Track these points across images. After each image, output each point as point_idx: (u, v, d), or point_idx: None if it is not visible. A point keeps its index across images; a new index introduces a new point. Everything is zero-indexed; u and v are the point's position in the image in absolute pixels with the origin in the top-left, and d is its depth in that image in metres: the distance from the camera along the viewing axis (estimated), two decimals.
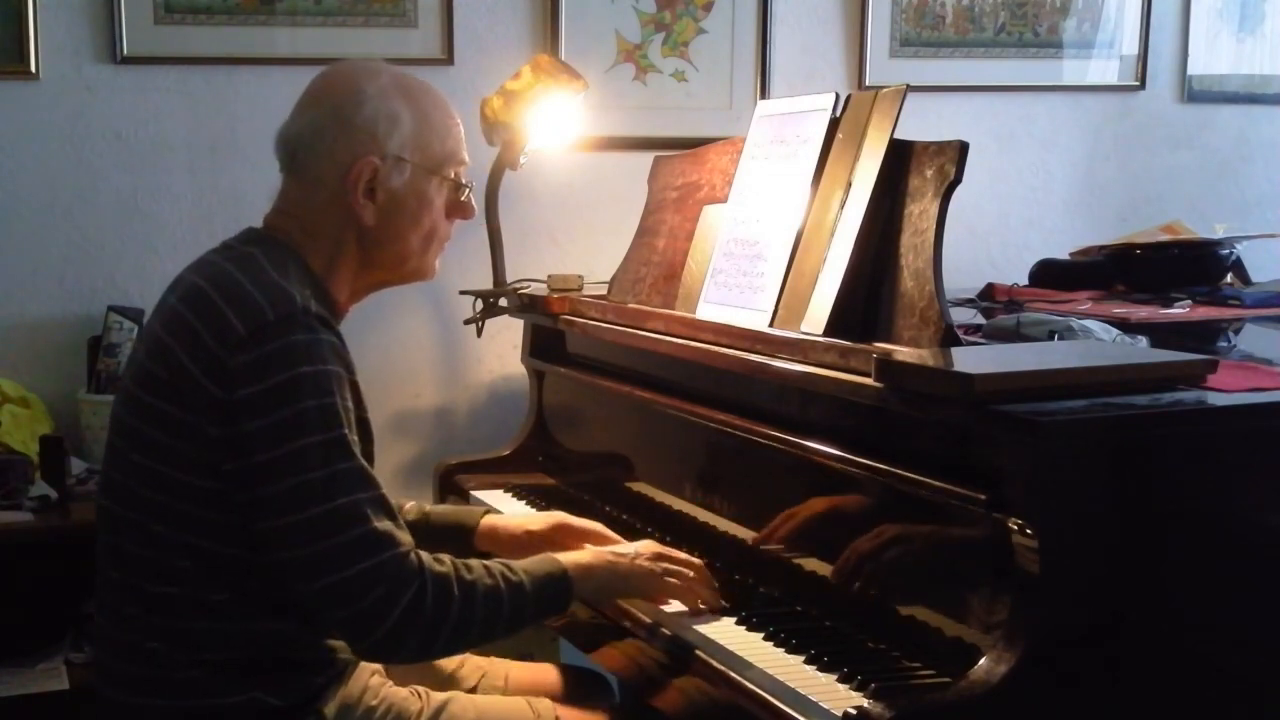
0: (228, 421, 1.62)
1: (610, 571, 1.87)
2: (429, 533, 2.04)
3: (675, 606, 1.90)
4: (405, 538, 1.66)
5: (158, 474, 1.67)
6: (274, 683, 1.72)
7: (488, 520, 2.12)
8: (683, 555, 1.94)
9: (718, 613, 1.88)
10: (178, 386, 1.65)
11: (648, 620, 1.90)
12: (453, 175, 1.85)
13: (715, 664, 1.73)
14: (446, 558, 1.71)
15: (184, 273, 1.80)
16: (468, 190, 1.89)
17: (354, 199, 1.77)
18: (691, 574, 1.90)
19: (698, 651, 1.77)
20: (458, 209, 1.88)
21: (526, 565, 1.78)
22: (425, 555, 1.67)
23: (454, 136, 1.86)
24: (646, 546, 1.93)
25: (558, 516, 2.11)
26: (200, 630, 1.69)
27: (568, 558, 1.85)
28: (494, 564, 1.75)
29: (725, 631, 1.82)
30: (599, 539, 2.05)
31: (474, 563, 1.73)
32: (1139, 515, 1.55)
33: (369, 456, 1.74)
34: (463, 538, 2.10)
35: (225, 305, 1.65)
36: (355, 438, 1.67)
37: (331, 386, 1.64)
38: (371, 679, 1.86)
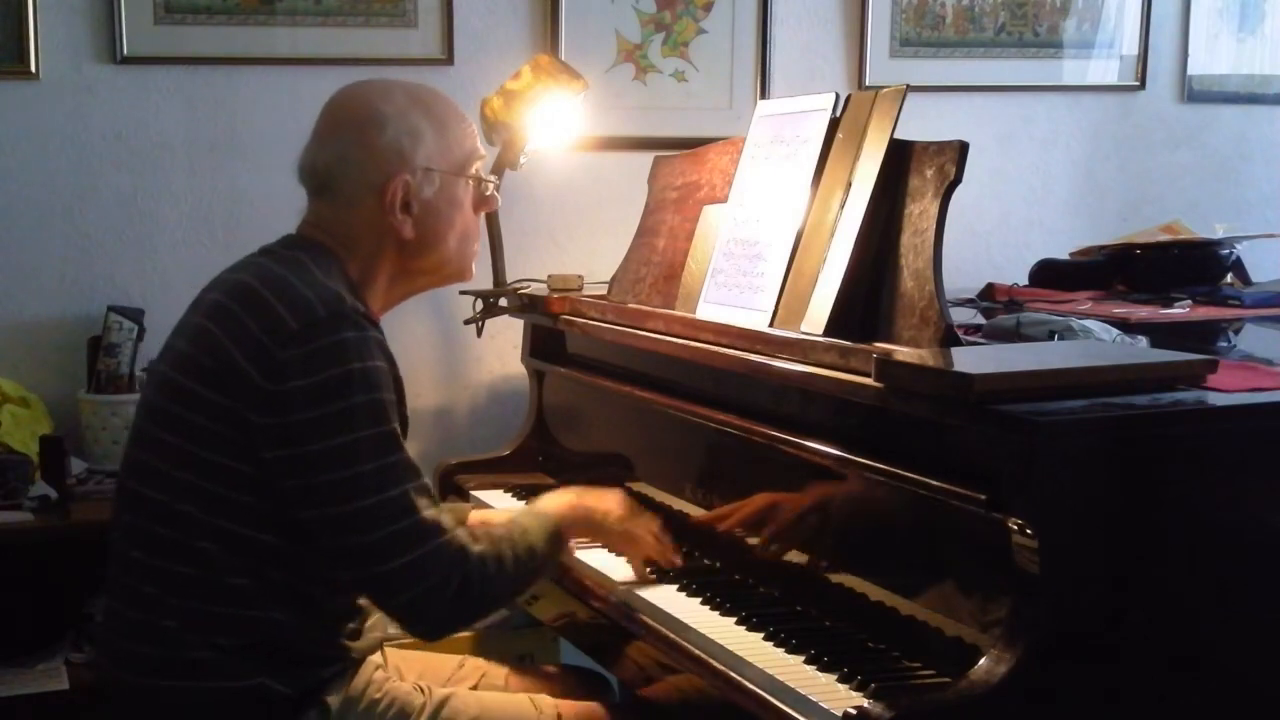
0: (274, 412, 1.66)
1: (588, 521, 2.02)
2: None
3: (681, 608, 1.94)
4: (448, 521, 1.74)
5: (190, 455, 1.71)
6: (283, 671, 1.75)
7: (475, 516, 2.19)
8: (646, 515, 2.07)
9: (670, 571, 2.03)
10: (221, 373, 1.70)
11: (648, 620, 1.90)
12: (475, 171, 1.92)
13: (715, 664, 1.74)
14: (479, 532, 1.80)
15: (224, 274, 1.84)
16: (492, 185, 1.96)
17: (392, 217, 1.83)
18: (656, 530, 2.04)
19: (698, 651, 1.78)
20: (483, 203, 1.96)
21: (529, 524, 1.89)
22: (464, 534, 1.76)
23: (470, 135, 1.93)
24: (619, 504, 2.05)
25: None
26: (216, 613, 1.72)
27: (555, 512, 1.96)
28: (512, 530, 1.85)
29: (725, 631, 1.82)
30: None
31: (498, 534, 1.83)
32: (1139, 515, 1.55)
33: None
34: None
35: (276, 301, 1.70)
36: (399, 430, 1.74)
37: (379, 382, 1.71)
38: (375, 673, 1.88)
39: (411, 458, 1.74)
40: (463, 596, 1.72)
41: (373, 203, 1.83)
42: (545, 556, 1.88)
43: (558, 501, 2.02)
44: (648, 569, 2.04)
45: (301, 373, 1.66)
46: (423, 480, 1.74)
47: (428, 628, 1.76)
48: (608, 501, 2.05)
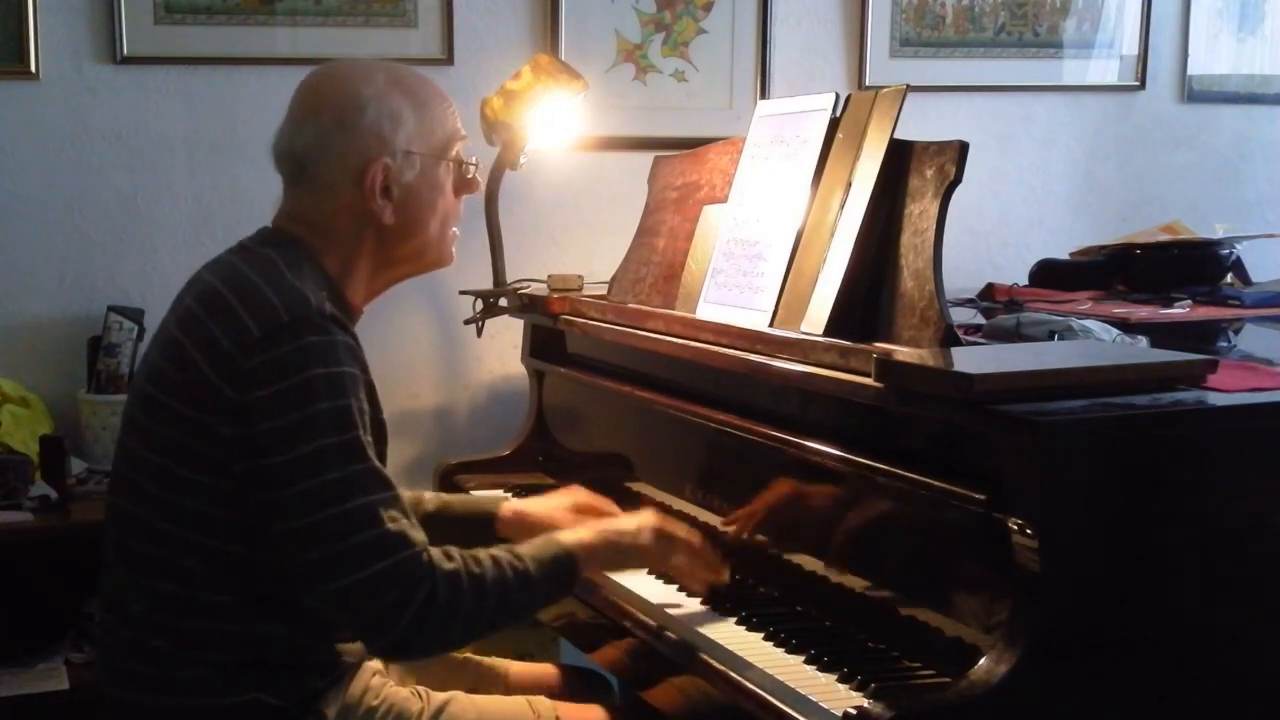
0: (241, 422, 1.63)
1: (613, 549, 1.88)
2: (451, 522, 2.07)
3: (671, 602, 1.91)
4: (418, 537, 1.66)
5: (168, 471, 1.68)
6: (276, 684, 1.73)
7: (508, 506, 2.14)
8: (684, 530, 1.95)
9: (716, 605, 1.90)
10: (191, 386, 1.66)
11: (648, 620, 1.90)
12: (456, 154, 1.87)
13: (715, 664, 1.74)
14: (455, 552, 1.71)
15: (200, 272, 1.80)
16: (473, 167, 1.91)
17: (372, 202, 1.78)
18: (691, 551, 1.92)
19: (698, 651, 1.78)
20: (465, 185, 1.90)
21: (531, 551, 1.78)
22: (435, 552, 1.68)
23: (451, 117, 1.87)
24: (648, 520, 1.93)
25: (576, 495, 2.14)
26: (204, 630, 1.70)
27: (570, 538, 1.85)
28: (500, 553, 1.75)
29: (725, 631, 1.82)
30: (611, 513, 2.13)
31: (481, 554, 1.73)
32: (1139, 515, 1.55)
33: (383, 457, 1.74)
34: (485, 526, 2.13)
35: (240, 306, 1.66)
36: (369, 439, 1.67)
37: (345, 388, 1.65)
38: (373, 679, 1.86)
39: (381, 468, 1.67)
40: (426, 615, 1.63)
41: (352, 188, 1.78)
42: (546, 586, 1.77)
43: (579, 530, 1.90)
44: (700, 588, 1.93)
45: (265, 381, 1.62)
46: (392, 492, 1.66)
47: (387, 645, 1.67)
48: (638, 519, 1.95)
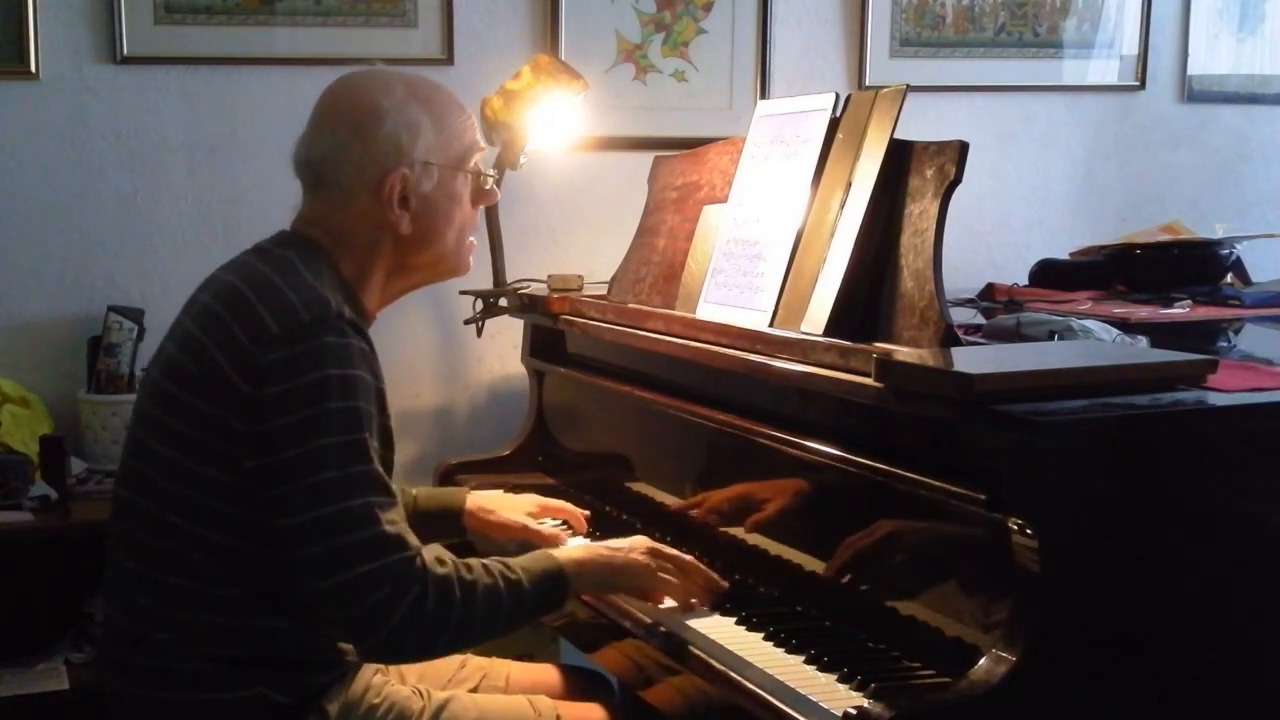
0: (254, 418, 1.64)
1: (605, 567, 1.89)
2: (418, 518, 2.09)
3: (669, 603, 1.92)
4: (414, 541, 1.68)
5: (179, 465, 1.70)
6: (280, 679, 1.74)
7: (473, 500, 2.22)
8: (674, 552, 1.95)
9: (715, 605, 1.90)
10: (207, 380, 1.68)
11: (648, 620, 1.90)
12: (474, 165, 1.89)
13: (715, 664, 1.73)
14: (448, 558, 1.73)
15: (217, 272, 1.82)
16: (490, 178, 1.93)
17: (389, 212, 1.80)
18: (684, 571, 1.93)
19: (698, 651, 1.77)
20: (482, 196, 1.93)
21: (524, 563, 1.80)
22: (429, 557, 1.69)
23: (469, 129, 1.89)
24: (640, 542, 1.95)
25: (533, 498, 2.27)
26: (210, 624, 1.71)
27: (564, 554, 1.87)
28: (493, 563, 1.77)
29: (725, 631, 1.82)
30: (570, 515, 2.28)
31: (474, 562, 1.75)
32: (1139, 515, 1.55)
33: (389, 463, 1.76)
34: (450, 520, 2.21)
35: (260, 304, 1.68)
36: (375, 444, 1.69)
37: (357, 390, 1.67)
38: (374, 678, 1.87)
39: (383, 473, 1.69)
40: (415, 617, 1.64)
41: (369, 197, 1.80)
42: (537, 599, 1.78)
43: (573, 549, 1.92)
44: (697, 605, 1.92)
45: (281, 377, 1.64)
46: (392, 498, 1.68)
47: (374, 644, 1.67)
48: (630, 540, 1.96)
